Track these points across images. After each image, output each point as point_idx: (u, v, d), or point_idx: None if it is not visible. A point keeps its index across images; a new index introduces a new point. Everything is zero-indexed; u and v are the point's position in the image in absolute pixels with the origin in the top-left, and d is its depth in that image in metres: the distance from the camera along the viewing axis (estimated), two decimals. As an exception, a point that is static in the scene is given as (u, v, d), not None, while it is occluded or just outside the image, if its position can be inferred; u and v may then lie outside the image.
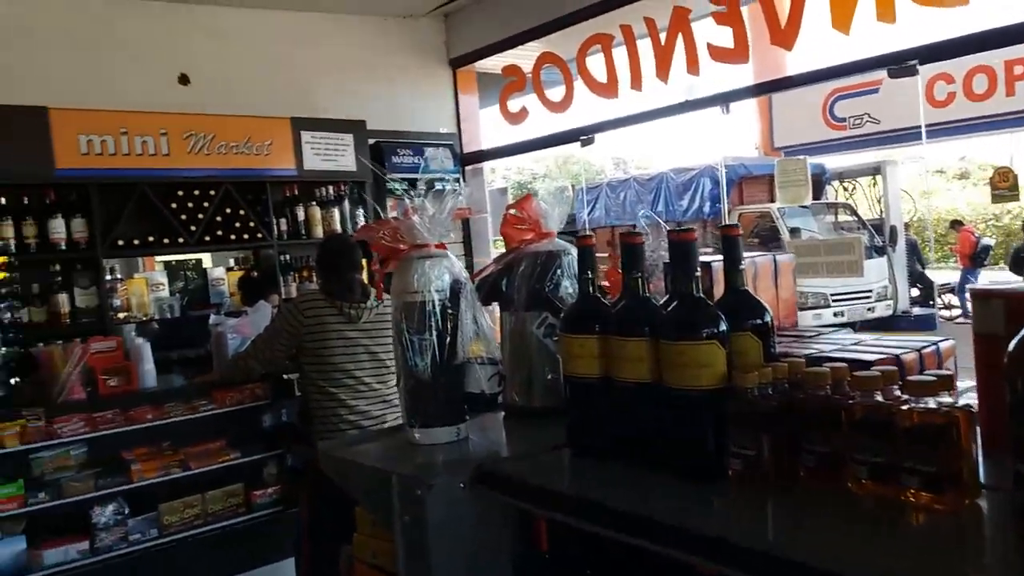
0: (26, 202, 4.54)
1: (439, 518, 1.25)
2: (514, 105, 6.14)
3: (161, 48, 5.20)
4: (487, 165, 6.74)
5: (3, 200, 4.43)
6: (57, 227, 4.56)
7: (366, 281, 3.69)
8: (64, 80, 4.75)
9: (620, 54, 5.34)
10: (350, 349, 3.49)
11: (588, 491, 1.15)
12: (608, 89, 5.38)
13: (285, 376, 3.92)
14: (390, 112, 6.18)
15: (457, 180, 6.34)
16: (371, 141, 5.88)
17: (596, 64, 5.51)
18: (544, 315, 1.56)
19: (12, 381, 3.36)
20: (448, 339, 1.46)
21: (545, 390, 1.58)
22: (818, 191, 11.34)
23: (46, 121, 4.46)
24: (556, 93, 5.81)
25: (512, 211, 1.67)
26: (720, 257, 1.27)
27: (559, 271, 1.58)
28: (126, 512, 3.31)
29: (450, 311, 1.48)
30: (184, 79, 5.31)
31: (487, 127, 7.03)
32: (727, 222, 10.82)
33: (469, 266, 6.47)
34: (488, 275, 1.67)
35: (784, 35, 4.28)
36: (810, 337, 1.57)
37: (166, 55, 5.22)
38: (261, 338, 3.59)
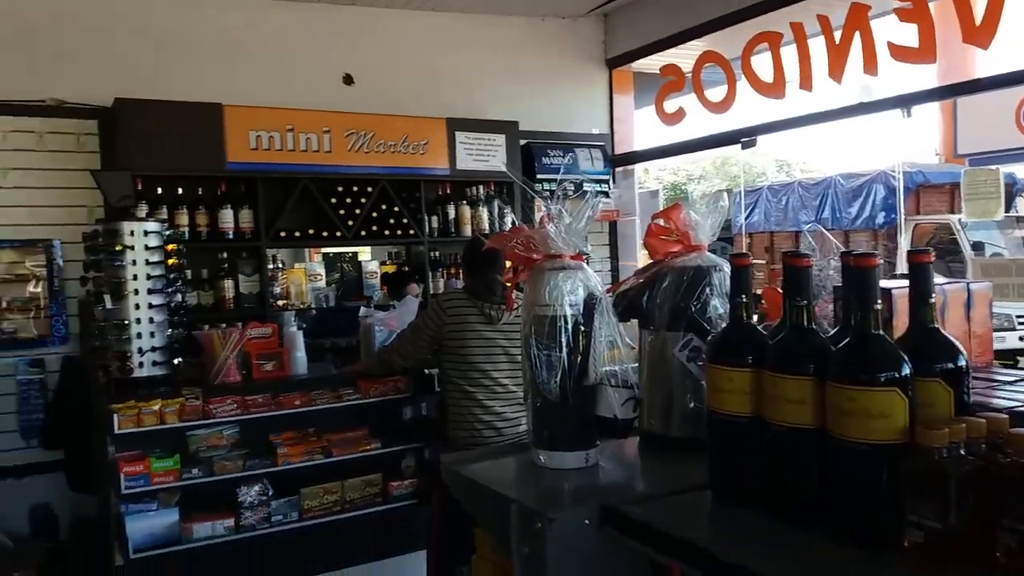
0: (200, 193, 4.85)
1: (560, 555, 1.15)
2: (671, 106, 5.92)
3: (328, 49, 5.42)
4: (639, 167, 6.55)
5: (180, 190, 4.76)
6: (226, 217, 4.84)
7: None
8: (238, 79, 5.04)
9: (788, 53, 5.01)
10: (488, 349, 3.46)
11: (732, 549, 1.00)
12: (774, 89, 5.05)
13: (426, 371, 3.95)
14: (543, 113, 6.14)
15: (607, 182, 6.20)
16: (522, 142, 5.85)
17: (761, 63, 5.20)
18: (689, 337, 1.41)
19: (176, 361, 3.57)
20: (580, 358, 1.35)
21: (685, 419, 1.43)
22: (1007, 203, 10.25)
23: (221, 117, 4.74)
24: (716, 93, 5.54)
25: (658, 221, 1.52)
26: (903, 283, 1.08)
27: (708, 289, 1.42)
28: (270, 494, 3.44)
29: (583, 328, 1.36)
30: (348, 79, 5.50)
31: (640, 128, 6.84)
32: (903, 234, 10.00)
33: (614, 269, 6.32)
34: (628, 289, 1.53)
35: (979, 32, 3.84)
36: (1011, 382, 1.33)
37: (332, 56, 5.43)
38: (405, 334, 3.63)
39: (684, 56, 5.93)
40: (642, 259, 6.34)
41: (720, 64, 5.44)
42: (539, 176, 5.87)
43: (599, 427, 1.41)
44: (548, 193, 6.07)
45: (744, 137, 5.44)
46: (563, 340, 1.35)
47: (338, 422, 3.80)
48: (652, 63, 6.36)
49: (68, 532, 4.42)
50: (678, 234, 1.52)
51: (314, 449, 3.59)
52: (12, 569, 3.79)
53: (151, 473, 3.21)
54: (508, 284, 1.53)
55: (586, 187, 6.01)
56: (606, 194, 6.15)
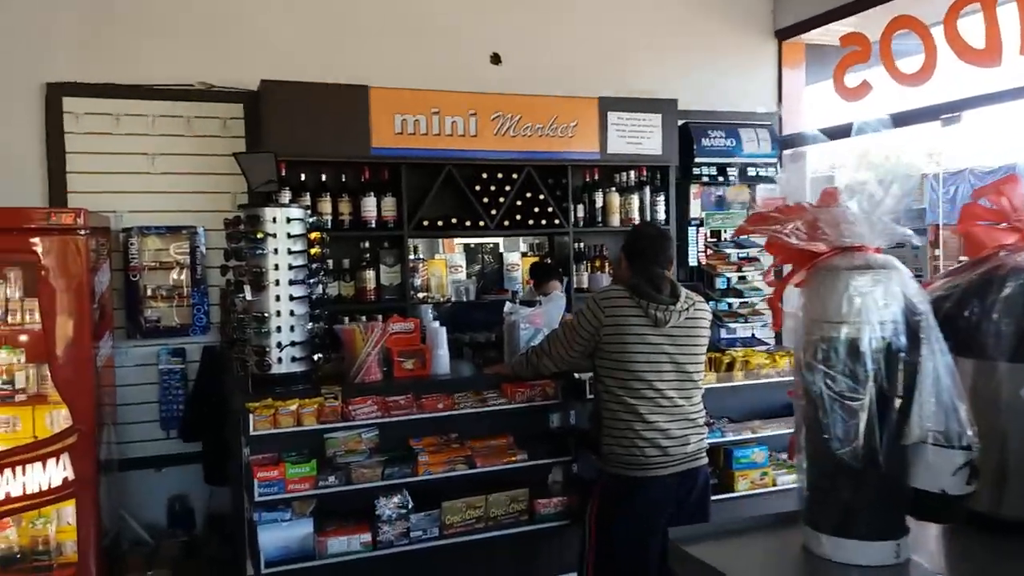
0: (343, 180, 4.66)
1: None
2: (852, 79, 5.22)
3: (475, 27, 5.11)
4: (811, 150, 5.85)
5: (324, 177, 4.59)
6: (369, 205, 4.63)
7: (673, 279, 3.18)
8: (383, 60, 4.82)
9: (1007, 12, 4.25)
10: (652, 357, 3.02)
11: None
12: (987, 56, 4.29)
13: (577, 376, 3.55)
14: (702, 90, 5.60)
15: (774, 166, 5.56)
16: (680, 122, 5.33)
17: (968, 27, 4.45)
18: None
19: (316, 357, 3.34)
20: (896, 403, 0.89)
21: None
22: None
23: (366, 99, 4.52)
24: (909, 64, 4.81)
25: (983, 200, 1.03)
26: None
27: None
28: (410, 506, 3.14)
29: (903, 358, 0.90)
30: (496, 58, 5.17)
31: (812, 106, 6.13)
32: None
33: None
34: (937, 297, 1.05)
35: None
36: None
37: (479, 34, 5.12)
38: (556, 335, 3.24)
39: (867, 24, 5.21)
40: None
41: (916, 30, 4.71)
42: (697, 159, 5.33)
43: (916, 505, 0.94)
44: (717, 172, 5.60)
45: (946, 113, 4.67)
46: (869, 376, 0.89)
47: (481, 428, 3.47)
48: (827, 34, 5.67)
49: (204, 525, 4.34)
50: (1015, 218, 1.01)
51: (456, 458, 3.26)
52: (147, 567, 3.71)
53: (286, 479, 2.98)
54: (771, 287, 1.12)
55: (751, 171, 5.42)
56: (772, 179, 5.52)
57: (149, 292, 4.34)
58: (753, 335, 4.15)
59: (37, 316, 3.50)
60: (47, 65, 4.23)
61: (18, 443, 3.47)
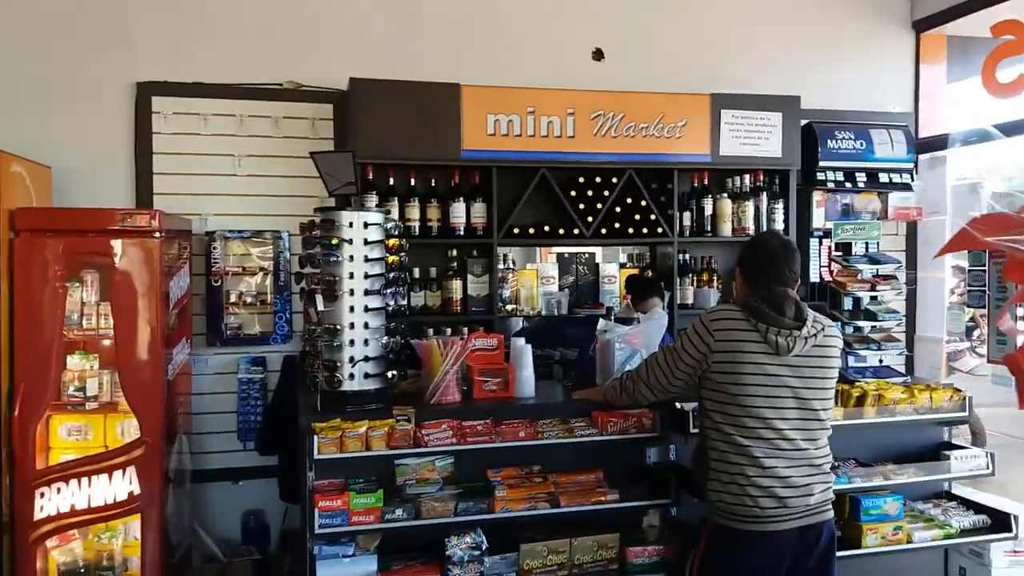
0: (432, 184, 4.40)
1: None
2: (1006, 74, 4.56)
3: (574, 19, 4.77)
4: (952, 154, 5.19)
5: (413, 181, 4.34)
6: (458, 211, 4.36)
7: (800, 301, 2.72)
8: (476, 57, 4.55)
9: None
10: (772, 391, 2.58)
11: None
12: None
13: (679, 405, 3.12)
14: (828, 87, 5.06)
15: (909, 171, 4.94)
16: (803, 122, 4.80)
17: None
18: None
19: (390, 374, 3.06)
20: None
21: None
22: None
23: (458, 99, 4.26)
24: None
25: None
26: None
27: None
28: (484, 547, 2.81)
29: None
30: (598, 54, 4.80)
31: (954, 106, 5.45)
32: None
33: (912, 282, 5.04)
34: None
35: None
36: None
37: (579, 27, 4.78)
38: (656, 360, 2.84)
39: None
40: (950, 270, 5.00)
41: (1091, 14, 4.04)
42: (822, 163, 4.79)
43: None
44: (845, 178, 5.03)
45: None
46: None
47: (567, 461, 3.10)
48: (973, 23, 5.01)
49: (278, 543, 4.15)
50: None
51: (539, 495, 2.91)
52: (216, 586, 3.53)
53: (350, 510, 2.70)
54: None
55: (883, 177, 4.83)
56: (907, 186, 4.90)
57: (231, 298, 4.21)
58: (884, 363, 3.61)
59: (112, 321, 3.38)
60: (137, 64, 4.17)
61: (88, 453, 3.36)
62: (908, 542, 3.19)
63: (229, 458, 4.19)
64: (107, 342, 3.45)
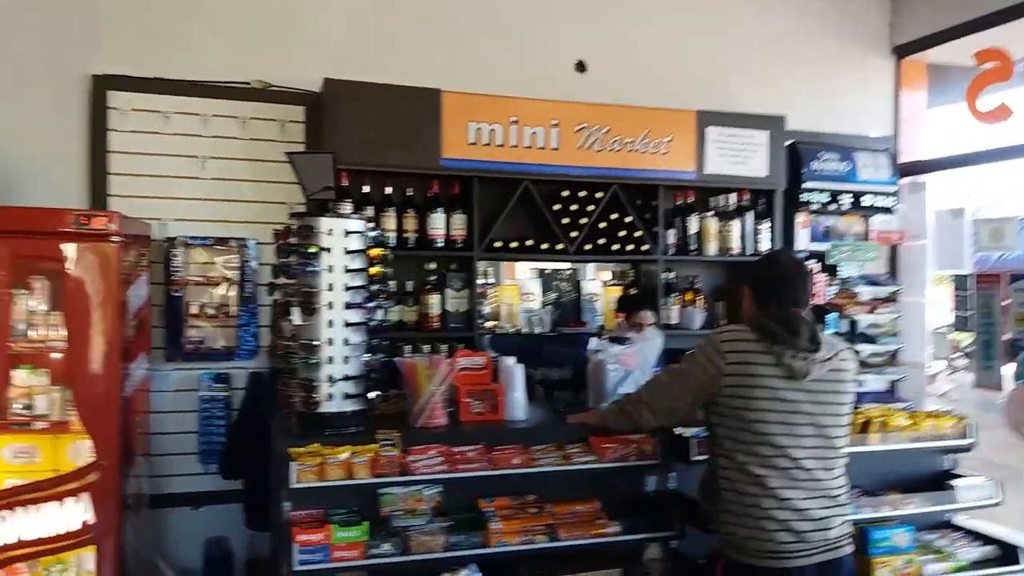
0: (409, 193, 4.19)
1: None
2: (988, 101, 4.57)
3: (559, 31, 4.63)
4: (932, 180, 5.18)
5: (389, 189, 4.12)
6: (436, 221, 4.15)
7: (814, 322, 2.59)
8: (458, 62, 4.37)
9: None
10: (788, 417, 2.43)
11: None
12: None
13: (679, 431, 2.96)
14: (811, 108, 5.01)
15: (893, 195, 4.91)
16: (787, 142, 4.73)
17: None
18: None
19: (371, 395, 2.82)
20: None
21: None
22: None
23: (438, 105, 4.06)
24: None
25: None
26: None
27: None
28: (478, 585, 2.59)
29: None
30: (580, 66, 4.67)
31: (933, 131, 5.47)
32: None
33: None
34: None
35: None
36: None
37: (564, 39, 4.64)
38: (660, 382, 2.67)
39: (1003, 40, 4.57)
40: (931, 294, 4.97)
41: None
42: (806, 184, 4.72)
43: None
44: (830, 199, 4.98)
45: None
46: None
47: (563, 489, 2.91)
48: (953, 51, 5.03)
49: (243, 573, 3.84)
50: None
51: (535, 527, 2.70)
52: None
53: (331, 545, 2.46)
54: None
55: (866, 201, 4.78)
56: (888, 210, 4.86)
57: (193, 310, 3.91)
58: (889, 390, 3.51)
59: (63, 332, 3.07)
60: (93, 55, 3.86)
61: (36, 478, 3.03)
62: (919, 576, 3.07)
63: (190, 482, 3.88)
64: (57, 355, 3.14)
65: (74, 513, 2.95)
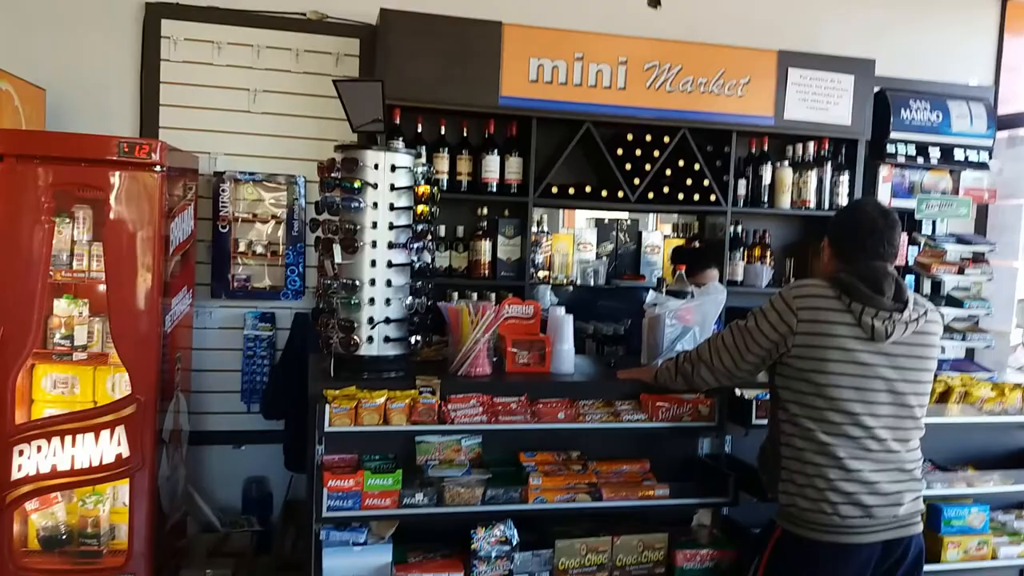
0: (464, 134, 3.99)
1: None
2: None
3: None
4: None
5: (443, 130, 3.94)
6: (491, 164, 3.95)
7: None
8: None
9: None
10: (863, 382, 2.20)
11: None
12: None
13: (739, 392, 2.74)
14: (903, 52, 4.59)
15: (988, 149, 4.49)
16: (875, 88, 4.35)
17: None
18: None
19: (413, 340, 2.68)
20: None
21: None
22: None
23: (499, 39, 3.83)
24: None
25: None
26: None
27: None
28: (514, 542, 2.44)
29: None
30: (655, 1, 4.34)
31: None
32: None
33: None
34: None
35: None
36: None
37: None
38: (723, 340, 2.45)
39: None
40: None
41: None
42: (893, 135, 4.34)
43: None
44: (917, 152, 4.60)
45: None
46: None
47: (610, 447, 2.74)
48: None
49: (280, 513, 3.82)
50: None
51: (579, 484, 2.54)
52: (209, 560, 3.19)
53: (363, 492, 2.34)
54: None
55: (958, 154, 4.38)
56: (984, 165, 4.44)
57: (240, 247, 3.83)
58: (971, 357, 3.21)
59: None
60: (147, -19, 3.77)
61: (74, 408, 3.01)
62: (993, 558, 2.82)
63: (231, 420, 3.85)
64: (101, 287, 3.08)
65: (109, 446, 2.92)
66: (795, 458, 2.26)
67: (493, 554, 2.42)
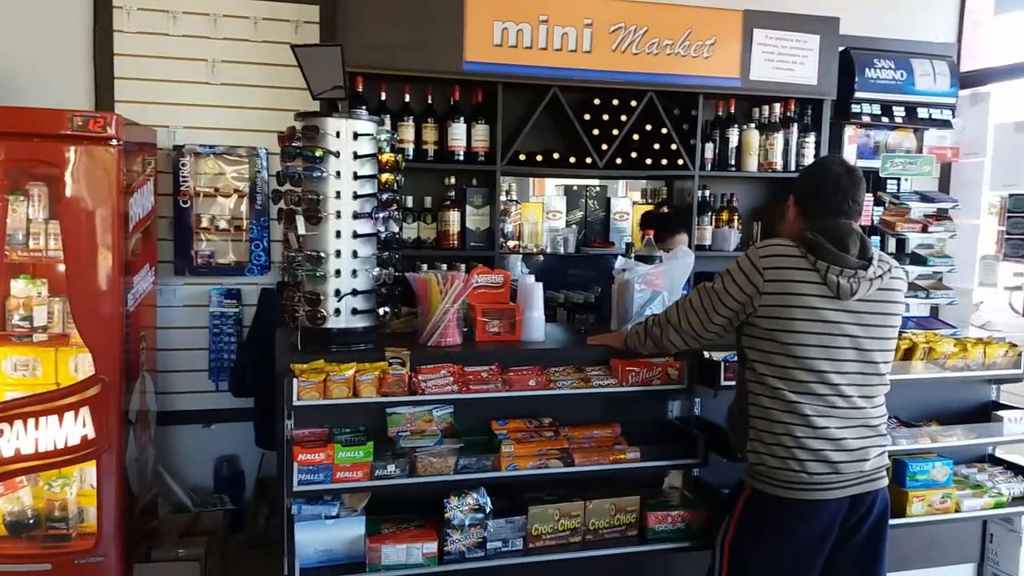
0: (429, 101, 3.93)
1: None
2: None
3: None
4: (998, 91, 4.76)
5: (407, 97, 3.88)
6: (457, 132, 3.90)
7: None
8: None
9: None
10: (829, 339, 2.23)
11: None
12: None
13: (707, 355, 2.76)
14: (867, 9, 4.57)
15: (951, 108, 4.51)
16: (840, 47, 4.35)
17: None
18: None
19: (381, 311, 2.66)
20: None
21: None
22: None
23: (461, 2, 3.75)
24: None
25: None
26: None
27: None
28: (488, 510, 2.45)
29: None
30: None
31: (1000, 40, 5.02)
32: None
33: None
34: None
35: None
36: None
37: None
38: (690, 303, 2.45)
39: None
40: (986, 216, 4.62)
41: None
42: (858, 94, 4.35)
43: None
44: (881, 111, 4.63)
45: None
46: None
47: (581, 412, 2.75)
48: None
49: (253, 491, 3.80)
50: None
51: (550, 451, 2.55)
52: (181, 541, 3.17)
53: (335, 465, 2.33)
54: None
55: (922, 112, 4.41)
56: (948, 123, 4.47)
57: (202, 222, 3.76)
58: (935, 314, 3.25)
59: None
60: (95, -52, 3.63)
61: (37, 391, 2.96)
62: (956, 511, 2.89)
63: (200, 399, 3.80)
64: (60, 267, 3.01)
65: (74, 428, 2.88)
66: (763, 417, 2.28)
67: (467, 522, 2.43)
